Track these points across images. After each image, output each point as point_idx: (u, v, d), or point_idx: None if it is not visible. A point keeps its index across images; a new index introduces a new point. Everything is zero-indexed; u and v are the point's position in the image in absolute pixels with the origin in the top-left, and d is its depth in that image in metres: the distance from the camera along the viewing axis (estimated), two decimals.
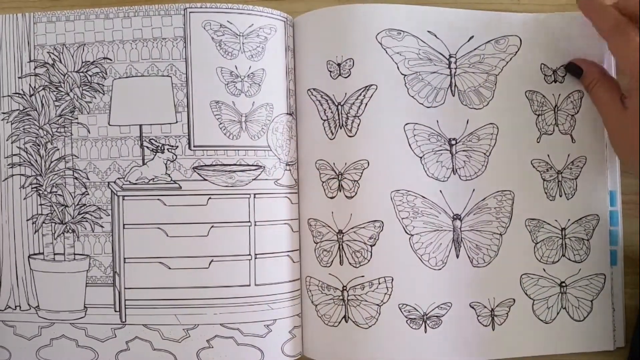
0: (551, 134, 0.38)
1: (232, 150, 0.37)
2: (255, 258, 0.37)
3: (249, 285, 0.37)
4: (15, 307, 0.38)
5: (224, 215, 0.37)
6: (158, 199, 0.37)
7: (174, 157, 0.37)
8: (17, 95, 0.38)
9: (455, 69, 0.38)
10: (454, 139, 0.38)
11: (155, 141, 0.37)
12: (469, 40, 0.38)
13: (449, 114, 0.38)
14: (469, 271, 0.37)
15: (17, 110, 0.38)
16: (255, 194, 0.37)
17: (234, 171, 0.37)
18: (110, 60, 0.37)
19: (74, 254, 0.38)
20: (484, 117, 0.38)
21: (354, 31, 0.37)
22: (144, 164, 0.37)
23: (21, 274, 0.38)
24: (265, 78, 0.37)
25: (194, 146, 0.37)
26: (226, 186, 0.37)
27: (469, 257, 0.37)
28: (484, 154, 0.38)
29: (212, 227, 0.37)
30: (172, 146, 0.37)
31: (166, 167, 0.37)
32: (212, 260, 0.37)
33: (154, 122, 0.37)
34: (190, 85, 0.37)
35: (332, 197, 0.37)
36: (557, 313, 0.38)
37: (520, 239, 0.38)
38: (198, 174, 0.37)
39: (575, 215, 0.38)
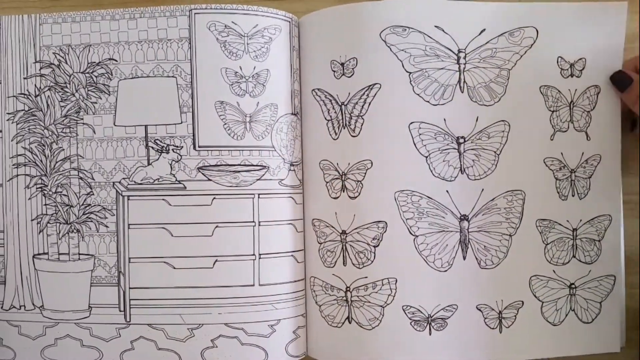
0: (566, 130, 0.39)
1: (236, 150, 0.39)
2: (260, 258, 0.39)
3: (253, 285, 0.39)
4: (20, 307, 0.40)
5: (229, 215, 0.39)
6: (163, 199, 0.39)
7: (179, 157, 0.39)
8: (23, 95, 0.40)
9: (465, 64, 0.39)
10: (462, 137, 0.39)
11: (160, 141, 0.39)
12: (480, 34, 0.39)
13: (457, 112, 0.39)
14: (476, 273, 0.39)
15: (23, 110, 0.40)
16: (259, 194, 0.39)
17: (239, 171, 0.39)
18: (116, 61, 0.40)
19: (79, 254, 0.40)
20: (494, 114, 0.39)
21: (358, 30, 0.39)
22: (149, 164, 0.40)
23: (26, 274, 0.40)
24: (269, 78, 0.40)
25: (198, 146, 0.39)
26: (230, 186, 0.39)
27: (476, 258, 0.39)
28: (494, 152, 0.39)
29: (217, 227, 0.39)
30: (177, 146, 0.39)
31: (171, 167, 0.39)
32: (216, 260, 0.39)
33: (159, 123, 0.39)
34: (195, 85, 0.39)
35: (335, 198, 0.40)
36: (566, 315, 0.40)
37: (530, 240, 0.39)
38: (203, 174, 0.39)
39: (588, 216, 0.40)
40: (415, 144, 0.39)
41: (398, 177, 0.39)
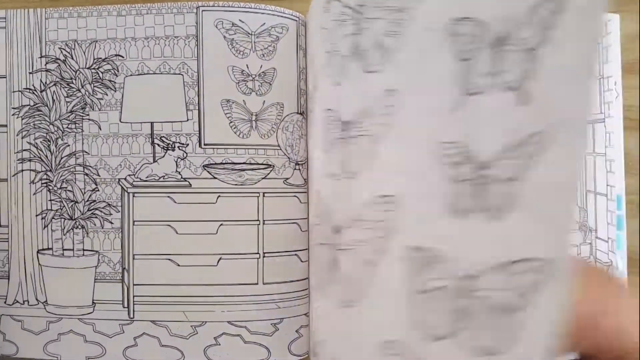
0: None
1: (242, 148, 0.41)
2: (264, 256, 0.41)
3: (257, 283, 0.41)
4: (24, 302, 0.42)
5: (233, 214, 0.41)
6: (168, 197, 0.41)
7: (185, 155, 0.41)
8: (28, 90, 0.42)
9: None
10: None
11: (166, 139, 0.41)
12: None
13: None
14: None
15: (28, 105, 0.42)
16: (264, 193, 0.41)
17: (244, 170, 0.41)
18: (122, 57, 0.42)
19: (83, 250, 0.42)
20: None
21: None
22: (154, 161, 0.42)
23: (29, 269, 0.42)
24: (276, 77, 0.41)
25: (204, 144, 0.41)
26: (236, 184, 0.41)
27: None
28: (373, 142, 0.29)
29: (221, 225, 0.41)
30: (183, 144, 0.41)
31: (176, 164, 0.41)
32: (220, 258, 0.41)
33: (165, 120, 0.41)
34: (202, 83, 0.41)
35: None
36: None
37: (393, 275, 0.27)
38: (208, 172, 0.41)
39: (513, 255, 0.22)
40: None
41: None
